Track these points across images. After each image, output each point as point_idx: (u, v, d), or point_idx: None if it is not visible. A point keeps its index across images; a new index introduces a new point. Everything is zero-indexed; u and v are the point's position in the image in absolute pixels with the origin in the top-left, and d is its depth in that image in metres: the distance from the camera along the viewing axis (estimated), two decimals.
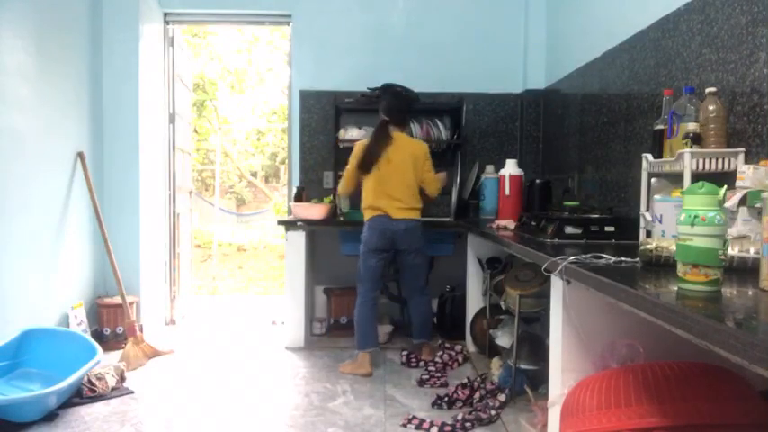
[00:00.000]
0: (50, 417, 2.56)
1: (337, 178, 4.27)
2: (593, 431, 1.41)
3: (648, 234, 2.17)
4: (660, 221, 1.96)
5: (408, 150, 3.36)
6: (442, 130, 4.13)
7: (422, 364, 3.42)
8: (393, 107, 3.46)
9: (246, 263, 9.12)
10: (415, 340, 3.54)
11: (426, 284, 3.54)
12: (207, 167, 12.58)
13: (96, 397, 2.80)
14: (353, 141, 4.11)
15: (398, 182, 3.32)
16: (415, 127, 4.11)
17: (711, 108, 1.90)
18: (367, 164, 3.33)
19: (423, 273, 3.49)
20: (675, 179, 2.05)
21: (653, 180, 2.20)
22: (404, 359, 3.46)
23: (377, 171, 3.33)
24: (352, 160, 3.40)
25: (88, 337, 3.17)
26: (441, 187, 3.51)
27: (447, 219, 4.01)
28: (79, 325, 3.45)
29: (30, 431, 2.45)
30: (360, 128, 4.12)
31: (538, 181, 3.46)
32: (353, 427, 2.53)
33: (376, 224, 3.32)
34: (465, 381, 2.99)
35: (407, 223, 3.32)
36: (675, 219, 1.26)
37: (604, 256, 1.67)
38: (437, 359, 3.42)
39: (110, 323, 3.68)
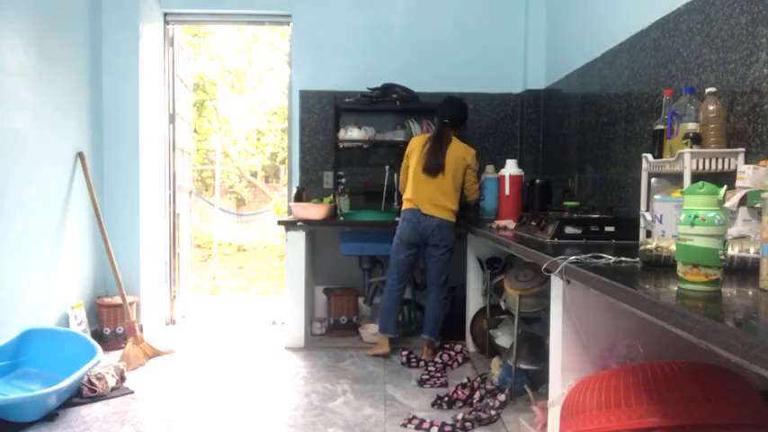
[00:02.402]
0: (50, 417, 2.56)
1: (337, 178, 4.30)
2: (593, 431, 1.41)
3: (648, 234, 2.17)
4: (660, 221, 1.96)
5: (453, 154, 3.46)
6: None
7: (422, 364, 3.42)
8: (451, 110, 3.57)
9: (246, 263, 9.12)
10: (423, 335, 3.57)
11: (446, 282, 3.60)
12: (207, 167, 12.58)
13: (96, 397, 2.80)
14: (353, 141, 4.15)
15: (436, 183, 3.44)
16: (414, 127, 4.11)
17: (711, 108, 1.90)
18: (431, 169, 3.41)
19: (447, 269, 3.57)
20: (675, 179, 2.05)
21: (653, 180, 2.20)
22: (404, 359, 3.47)
23: (416, 167, 3.45)
24: (406, 159, 3.56)
25: (88, 337, 3.17)
26: (479, 195, 3.69)
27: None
28: (79, 325, 3.45)
29: (30, 431, 2.45)
30: (360, 128, 4.12)
31: (538, 181, 3.46)
32: (353, 427, 2.53)
33: (410, 216, 3.46)
34: (465, 381, 2.99)
35: (441, 221, 3.44)
36: (675, 219, 1.26)
37: (604, 256, 1.67)
38: (437, 359, 3.43)
39: (110, 323, 3.68)
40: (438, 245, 3.47)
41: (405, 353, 3.51)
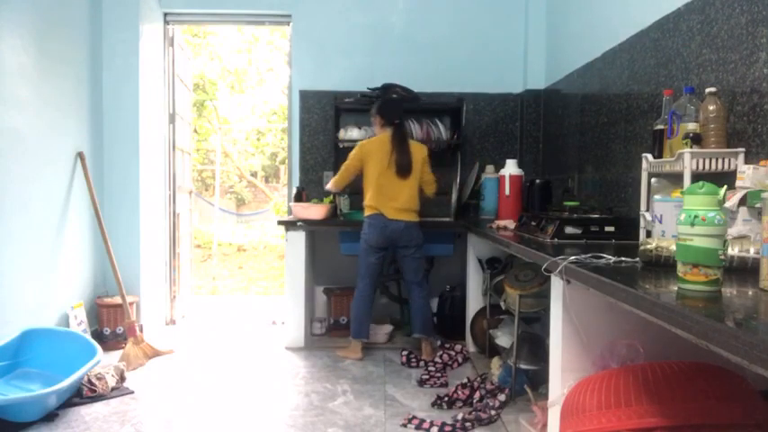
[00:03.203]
0: (50, 417, 2.56)
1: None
2: (593, 431, 1.41)
3: (648, 234, 2.17)
4: (660, 221, 1.96)
5: (414, 153, 3.48)
6: (442, 130, 4.13)
7: (422, 364, 3.43)
8: (399, 109, 3.58)
9: (246, 263, 9.12)
10: (415, 334, 3.58)
11: (424, 279, 3.62)
12: (207, 167, 12.58)
13: (96, 397, 2.80)
14: (354, 141, 4.13)
15: (403, 185, 3.44)
16: (414, 127, 4.11)
17: (711, 108, 1.90)
18: (405, 167, 3.42)
19: (422, 268, 3.60)
20: (675, 179, 2.05)
21: (653, 180, 2.20)
22: (404, 359, 3.47)
23: (381, 171, 3.43)
24: (355, 160, 3.50)
25: (88, 337, 3.17)
26: (436, 187, 3.66)
27: (447, 219, 4.01)
28: (79, 325, 3.45)
29: (30, 431, 2.45)
30: (360, 128, 4.12)
31: (538, 181, 3.46)
32: (353, 427, 2.53)
33: (376, 221, 3.44)
34: (465, 381, 2.99)
35: (406, 223, 3.45)
36: (675, 219, 1.26)
37: (604, 256, 1.67)
38: (437, 359, 3.43)
39: (110, 323, 3.68)
40: (408, 245, 3.48)
41: (405, 353, 3.51)
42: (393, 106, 3.60)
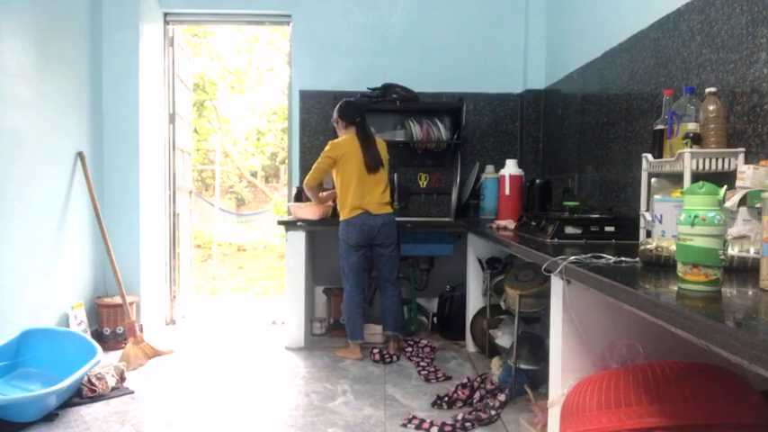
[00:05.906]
0: (50, 417, 2.56)
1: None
2: (593, 431, 1.41)
3: (648, 234, 2.17)
4: (660, 221, 1.96)
5: (381, 150, 3.58)
6: (442, 130, 4.13)
7: (395, 358, 3.52)
8: (358, 109, 3.61)
9: (246, 263, 9.11)
10: (387, 332, 3.65)
11: (398, 278, 3.69)
12: (207, 167, 12.58)
13: (96, 397, 2.80)
14: None
15: (377, 179, 3.51)
16: (414, 127, 4.11)
17: (711, 108, 1.90)
18: (375, 165, 3.49)
19: (397, 265, 3.67)
20: (675, 179, 2.05)
21: (653, 180, 2.20)
22: (377, 357, 3.49)
23: (358, 168, 3.47)
24: (329, 158, 3.49)
25: (88, 337, 3.17)
26: None
27: (447, 219, 4.01)
28: (79, 325, 3.45)
29: (30, 431, 2.45)
30: None
31: (538, 181, 3.46)
32: (353, 427, 2.53)
33: (356, 221, 3.47)
34: (465, 381, 2.99)
35: (385, 218, 3.51)
36: (675, 219, 1.26)
37: (604, 256, 1.67)
38: (422, 354, 3.52)
39: (110, 323, 3.68)
40: (384, 243, 3.53)
41: (376, 351, 3.55)
42: (352, 106, 3.61)
